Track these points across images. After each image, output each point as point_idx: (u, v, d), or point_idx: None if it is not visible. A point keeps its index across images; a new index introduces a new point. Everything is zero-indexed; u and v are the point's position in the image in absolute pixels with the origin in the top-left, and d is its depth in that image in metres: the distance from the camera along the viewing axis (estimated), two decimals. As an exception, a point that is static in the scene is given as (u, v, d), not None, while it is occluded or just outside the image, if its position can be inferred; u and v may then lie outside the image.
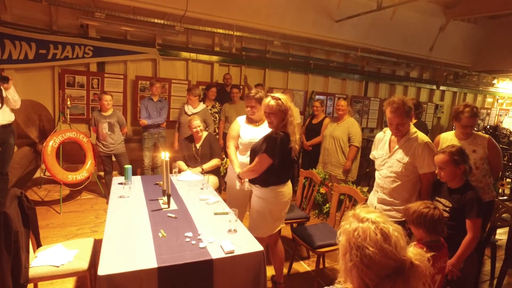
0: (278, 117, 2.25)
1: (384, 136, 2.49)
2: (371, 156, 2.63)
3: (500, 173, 2.93)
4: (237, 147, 2.83)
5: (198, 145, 3.70)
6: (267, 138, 2.28)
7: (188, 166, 3.66)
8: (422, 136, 2.27)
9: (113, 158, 4.33)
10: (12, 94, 3.39)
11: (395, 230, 0.93)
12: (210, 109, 4.99)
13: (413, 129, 2.31)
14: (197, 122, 3.63)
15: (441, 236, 1.76)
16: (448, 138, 2.69)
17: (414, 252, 0.94)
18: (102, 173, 4.69)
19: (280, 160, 2.25)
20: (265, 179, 2.32)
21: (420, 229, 1.73)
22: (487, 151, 2.50)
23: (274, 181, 2.33)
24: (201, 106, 4.62)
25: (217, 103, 5.14)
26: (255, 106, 2.64)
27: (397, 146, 2.32)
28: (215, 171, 3.72)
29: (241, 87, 5.75)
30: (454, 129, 2.81)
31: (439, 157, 2.07)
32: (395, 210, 2.30)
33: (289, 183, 2.45)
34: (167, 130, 4.94)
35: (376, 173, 2.50)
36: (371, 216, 0.96)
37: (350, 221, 0.97)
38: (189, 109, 4.54)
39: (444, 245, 1.81)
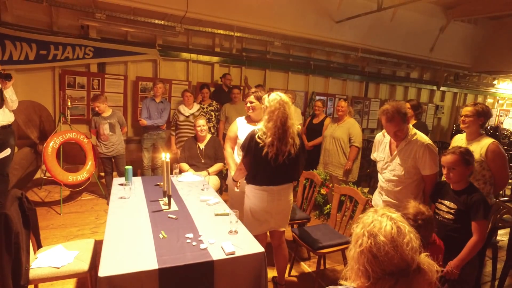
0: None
1: (383, 138, 2.47)
2: (372, 157, 2.61)
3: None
4: (233, 149, 2.83)
5: (202, 145, 3.72)
6: (247, 134, 2.33)
7: (191, 165, 3.67)
8: (422, 138, 2.25)
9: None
10: (10, 94, 3.36)
11: (410, 231, 0.95)
12: (207, 107, 5.00)
13: (412, 130, 2.28)
14: (201, 122, 3.68)
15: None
16: (459, 139, 2.64)
17: (424, 259, 0.94)
18: (102, 173, 4.68)
19: (252, 156, 2.23)
20: (247, 176, 2.35)
21: None
22: (484, 156, 2.34)
23: (251, 179, 2.33)
24: (196, 106, 4.64)
25: (214, 101, 5.15)
26: (254, 102, 2.64)
27: (397, 150, 2.30)
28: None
29: (241, 87, 5.75)
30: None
31: (448, 157, 2.02)
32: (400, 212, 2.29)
33: (273, 190, 2.28)
34: (167, 131, 4.94)
35: (379, 176, 2.48)
36: (393, 214, 0.99)
37: (369, 215, 1.01)
38: (185, 110, 4.55)
39: (435, 245, 1.81)
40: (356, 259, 0.95)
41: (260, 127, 2.26)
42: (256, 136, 2.19)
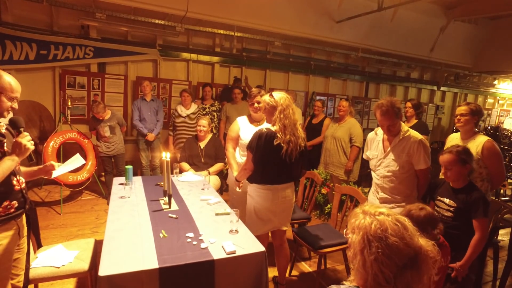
0: (268, 112, 2.30)
1: (376, 136, 2.53)
2: (364, 156, 2.67)
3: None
4: (235, 148, 2.83)
5: (202, 145, 3.71)
6: (253, 134, 2.32)
7: (191, 165, 3.66)
8: (415, 134, 2.33)
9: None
10: None
11: (408, 220, 0.96)
12: (209, 107, 4.99)
13: (404, 128, 2.35)
14: (202, 122, 3.67)
15: (436, 236, 1.74)
16: (454, 138, 2.72)
17: (423, 240, 0.96)
18: (102, 173, 4.68)
19: (261, 156, 2.23)
20: (250, 175, 2.34)
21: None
22: (480, 154, 2.41)
23: (256, 179, 2.32)
24: (194, 107, 4.63)
25: (216, 101, 5.16)
26: (261, 102, 2.64)
27: (391, 146, 2.36)
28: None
29: (242, 87, 5.75)
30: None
31: (445, 157, 2.06)
32: (398, 206, 2.33)
33: (277, 189, 2.31)
34: (162, 130, 4.94)
35: (373, 174, 2.52)
36: (383, 210, 0.97)
37: (362, 217, 0.98)
38: (182, 110, 4.54)
39: (444, 245, 1.80)
40: (369, 267, 0.92)
41: (267, 126, 2.28)
42: (278, 135, 2.19)
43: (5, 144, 1.59)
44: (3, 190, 1.52)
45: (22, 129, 1.61)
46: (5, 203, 1.55)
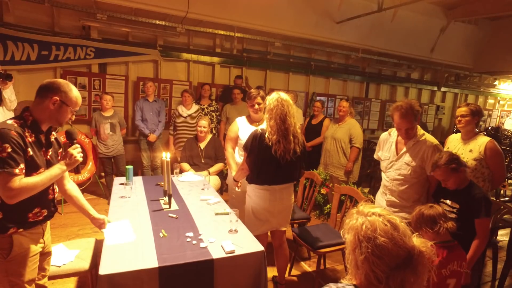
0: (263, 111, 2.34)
1: (389, 137, 2.48)
2: (375, 157, 2.62)
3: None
4: (234, 149, 2.84)
5: (202, 146, 3.73)
6: (249, 134, 2.33)
7: (191, 165, 3.68)
8: (431, 139, 2.28)
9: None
10: (8, 94, 3.35)
11: (401, 221, 0.96)
12: (207, 108, 5.01)
13: (420, 131, 2.31)
14: (202, 122, 3.68)
15: (450, 229, 1.76)
16: (454, 138, 2.71)
17: (418, 240, 0.96)
18: (102, 174, 4.69)
19: (256, 156, 2.24)
20: (249, 175, 2.36)
21: (423, 230, 1.77)
22: (483, 154, 2.42)
23: (253, 179, 2.33)
24: (195, 107, 4.64)
25: (213, 101, 5.17)
26: (261, 103, 2.65)
27: (404, 149, 2.31)
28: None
29: (242, 87, 5.77)
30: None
31: (437, 173, 2.04)
32: (404, 211, 2.30)
33: (275, 190, 2.30)
34: (163, 130, 4.97)
35: (383, 175, 2.49)
36: (376, 210, 0.98)
37: (356, 217, 0.99)
38: (183, 111, 4.56)
39: (458, 247, 1.80)
40: (360, 266, 0.94)
41: (262, 127, 2.28)
42: (266, 135, 2.20)
43: (50, 153, 1.65)
44: (37, 196, 1.51)
45: (75, 141, 1.69)
46: (36, 210, 1.56)
